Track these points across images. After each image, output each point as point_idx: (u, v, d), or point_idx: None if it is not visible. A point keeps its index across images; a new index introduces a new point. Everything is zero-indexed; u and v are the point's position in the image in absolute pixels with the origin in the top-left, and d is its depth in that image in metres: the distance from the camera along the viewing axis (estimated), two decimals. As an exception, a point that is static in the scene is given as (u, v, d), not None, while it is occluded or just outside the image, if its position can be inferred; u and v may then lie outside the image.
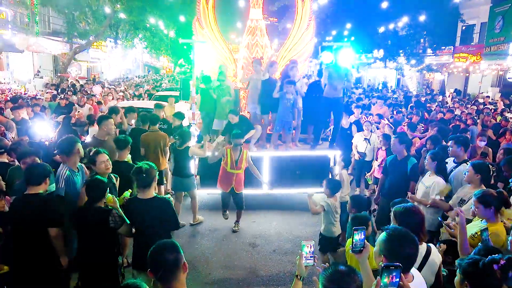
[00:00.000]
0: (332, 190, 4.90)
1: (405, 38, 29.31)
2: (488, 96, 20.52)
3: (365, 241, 2.31)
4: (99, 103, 12.04)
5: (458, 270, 2.29)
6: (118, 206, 3.71)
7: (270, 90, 6.95)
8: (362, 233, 2.30)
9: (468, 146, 5.11)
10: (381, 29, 29.12)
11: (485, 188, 4.10)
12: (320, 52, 7.39)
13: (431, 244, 2.78)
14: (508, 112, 13.33)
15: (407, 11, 26.48)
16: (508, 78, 21.27)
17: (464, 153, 4.98)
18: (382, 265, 1.93)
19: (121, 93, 15.14)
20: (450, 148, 4.98)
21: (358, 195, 4.86)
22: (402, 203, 3.96)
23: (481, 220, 3.38)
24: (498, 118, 11.59)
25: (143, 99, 15.80)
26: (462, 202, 4.17)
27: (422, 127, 9.36)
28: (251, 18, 8.67)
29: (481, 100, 19.38)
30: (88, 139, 6.58)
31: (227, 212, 6.50)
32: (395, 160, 5.32)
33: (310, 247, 2.30)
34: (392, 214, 2.83)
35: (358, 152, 7.71)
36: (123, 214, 3.62)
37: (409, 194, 4.78)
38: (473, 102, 18.10)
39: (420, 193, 4.80)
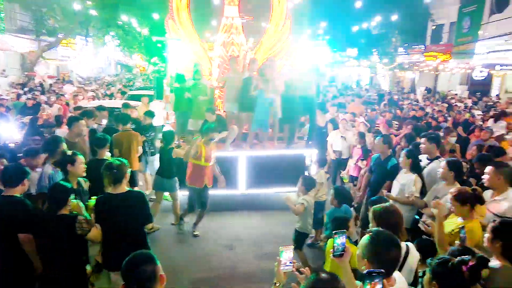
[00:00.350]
0: (307, 187, 4.91)
1: (378, 37, 29.88)
2: (456, 94, 21.20)
3: (346, 244, 2.29)
4: (67, 103, 11.62)
5: (428, 269, 2.30)
6: (84, 212, 3.55)
7: (249, 89, 6.87)
8: (343, 236, 2.29)
9: (439, 143, 5.21)
10: (355, 28, 29.55)
11: (458, 184, 4.18)
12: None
13: (409, 243, 2.79)
14: (475, 109, 13.76)
15: (379, 10, 26.95)
16: (475, 77, 22.02)
17: (437, 150, 5.06)
18: (365, 272, 1.91)
19: (92, 93, 14.68)
20: (423, 145, 5.05)
21: (342, 187, 4.88)
22: (379, 201, 4.02)
23: (457, 218, 3.42)
24: (467, 115, 11.96)
25: (115, 99, 15.41)
26: (436, 199, 4.22)
27: (396, 124, 9.52)
28: (226, 15, 8.57)
29: (450, 98, 20.02)
30: None
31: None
32: (379, 159, 5.37)
33: (289, 252, 2.26)
34: (370, 213, 2.82)
35: (334, 151, 7.74)
36: (91, 218, 3.48)
37: (385, 192, 4.83)
38: (443, 100, 18.65)
39: (395, 191, 4.85)
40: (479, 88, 23.47)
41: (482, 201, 3.39)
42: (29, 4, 20.27)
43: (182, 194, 6.90)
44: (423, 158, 5.14)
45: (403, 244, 2.72)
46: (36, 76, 22.14)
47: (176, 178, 6.31)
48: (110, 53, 37.20)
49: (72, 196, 3.52)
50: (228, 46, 8.55)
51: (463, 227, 3.06)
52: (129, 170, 3.65)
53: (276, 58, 8.22)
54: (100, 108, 7.55)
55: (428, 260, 2.33)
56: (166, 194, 7.12)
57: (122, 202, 3.46)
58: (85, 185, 4.29)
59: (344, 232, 2.31)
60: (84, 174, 4.20)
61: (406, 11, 26.56)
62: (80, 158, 4.15)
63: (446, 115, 11.46)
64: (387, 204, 2.87)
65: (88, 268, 3.55)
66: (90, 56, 32.95)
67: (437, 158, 4.97)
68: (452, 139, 6.69)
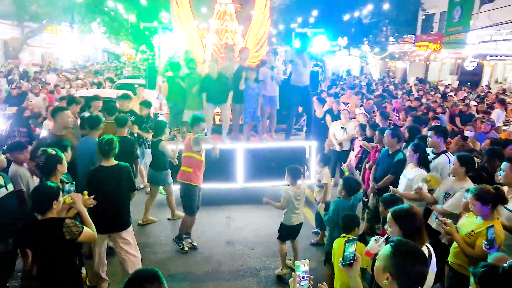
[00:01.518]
0: (293, 177, 4.74)
1: (369, 26, 29.67)
2: (449, 84, 21.23)
3: (356, 253, 2.21)
4: (51, 92, 11.19)
5: (472, 278, 2.12)
6: (80, 203, 3.31)
7: (240, 80, 6.62)
8: (354, 245, 2.20)
9: (447, 136, 5.06)
10: (346, 17, 29.27)
11: (469, 180, 4.04)
12: (294, 39, 7.10)
13: (429, 245, 2.62)
14: (469, 100, 13.72)
15: (370, -1, 26.73)
16: (466, 67, 22.05)
17: (444, 144, 4.91)
18: None
19: (79, 81, 14.17)
20: (429, 139, 4.89)
21: (351, 177, 4.63)
22: (391, 198, 3.87)
23: (476, 217, 3.27)
24: (460, 106, 11.90)
25: (103, 87, 14.94)
26: (447, 195, 4.08)
27: (396, 115, 9.39)
28: (220, 1, 8.25)
29: (441, 88, 20.03)
30: (43, 132, 6.00)
31: None
32: (387, 152, 5.19)
33: (305, 266, 2.11)
34: (389, 215, 2.63)
35: (338, 143, 7.56)
36: (89, 217, 3.28)
37: (391, 188, 4.66)
38: (434, 89, 18.63)
39: (402, 186, 4.69)
40: (470, 78, 23.56)
41: (505, 201, 3.23)
42: (11, -11, 19.45)
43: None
44: (429, 152, 4.99)
45: (425, 248, 2.55)
46: (20, 63, 21.41)
47: (169, 171, 6.06)
48: (96, 40, 36.25)
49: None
50: (222, 33, 8.27)
51: (491, 227, 2.90)
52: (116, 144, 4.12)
53: (260, 43, 8.02)
54: (95, 97, 7.21)
55: (470, 269, 2.16)
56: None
57: (112, 172, 4.08)
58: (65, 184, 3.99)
59: (355, 239, 2.22)
60: (66, 171, 3.87)
61: (397, 0, 26.39)
62: (64, 155, 3.84)
63: (442, 105, 11.36)
64: (406, 205, 2.67)
65: (84, 271, 3.30)
66: (76, 44, 32.02)
67: (443, 152, 4.82)
68: (470, 133, 6.51)
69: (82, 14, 26.93)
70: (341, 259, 2.21)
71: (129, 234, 4.28)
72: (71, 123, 5.14)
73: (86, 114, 6.41)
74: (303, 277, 2.09)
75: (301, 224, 4.92)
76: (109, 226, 4.14)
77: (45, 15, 21.66)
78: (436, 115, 9.22)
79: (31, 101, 8.87)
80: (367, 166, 5.87)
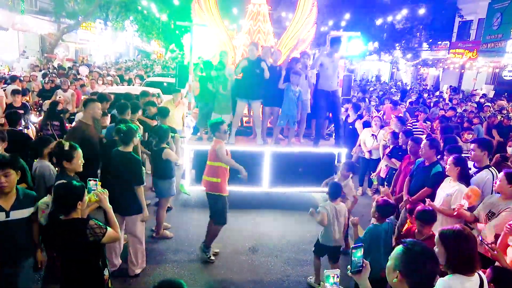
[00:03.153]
0: (332, 194, 4.47)
1: (401, 31, 28.92)
2: (485, 95, 20.38)
3: (363, 259, 2.15)
4: (82, 86, 11.42)
5: None
6: (106, 201, 3.24)
7: (277, 81, 6.46)
8: (361, 250, 2.15)
9: (491, 150, 4.73)
10: (378, 21, 28.65)
11: (517, 199, 3.73)
12: (329, 43, 6.89)
13: (481, 273, 2.38)
14: (510, 111, 13.06)
15: (405, 3, 26.05)
16: (504, 76, 21.09)
17: (487, 158, 4.59)
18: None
19: (110, 78, 14.39)
20: (473, 152, 4.58)
21: (386, 200, 4.28)
22: (425, 211, 3.63)
23: None
24: (499, 117, 11.34)
25: (133, 84, 15.14)
26: (491, 214, 3.79)
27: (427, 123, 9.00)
28: (253, 2, 8.15)
29: (477, 98, 19.22)
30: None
31: None
32: (423, 164, 4.90)
33: (336, 278, 2.04)
34: (437, 236, 2.42)
35: (368, 151, 7.30)
36: (114, 217, 3.22)
37: (428, 201, 4.38)
38: (469, 98, 17.90)
39: (439, 201, 4.41)
40: (507, 88, 22.54)
41: None
42: (50, -14, 20.05)
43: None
44: (471, 166, 4.69)
45: (476, 276, 2.32)
46: (55, 58, 22.07)
47: (174, 180, 5.65)
48: (128, 38, 37.02)
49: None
50: (255, 34, 8.15)
51: None
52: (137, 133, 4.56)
53: (300, 48, 7.81)
54: (144, 94, 7.46)
55: None
56: (183, 184, 6.80)
57: (123, 158, 4.42)
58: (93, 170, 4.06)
59: (362, 245, 2.16)
60: (81, 169, 3.83)
61: (433, 5, 25.62)
62: (79, 153, 3.77)
63: (478, 115, 10.84)
64: (458, 227, 2.44)
65: (106, 273, 3.23)
66: (109, 40, 32.78)
67: (487, 167, 4.50)
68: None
69: (116, 12, 27.56)
70: (349, 266, 2.15)
71: (132, 221, 4.54)
72: (99, 115, 5.55)
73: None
74: None
75: (339, 247, 4.58)
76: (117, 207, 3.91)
77: (81, 12, 22.23)
78: (471, 126, 8.78)
79: (59, 97, 9.00)
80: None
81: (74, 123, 6.28)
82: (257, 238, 5.85)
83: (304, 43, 8.08)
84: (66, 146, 3.73)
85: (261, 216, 6.58)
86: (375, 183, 7.16)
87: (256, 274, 4.93)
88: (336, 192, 4.51)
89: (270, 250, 5.52)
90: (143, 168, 5.43)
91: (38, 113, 8.93)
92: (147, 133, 6.52)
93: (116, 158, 4.50)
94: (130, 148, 4.48)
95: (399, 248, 1.99)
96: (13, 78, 11.12)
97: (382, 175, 6.87)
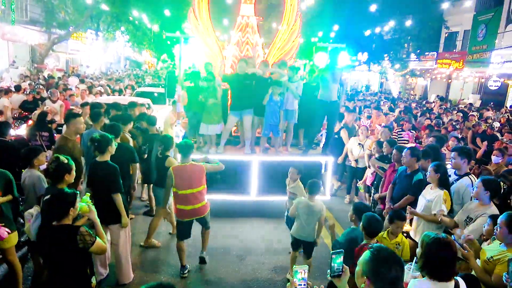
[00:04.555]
0: (310, 191, 4.74)
1: (390, 42, 29.46)
2: (470, 104, 20.78)
3: (343, 264, 2.24)
4: (71, 96, 11.37)
5: None
6: (95, 214, 3.32)
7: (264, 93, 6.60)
8: (341, 256, 2.23)
9: (471, 158, 4.88)
10: (367, 33, 29.15)
11: (494, 205, 3.87)
12: (314, 53, 7.06)
13: (458, 278, 2.48)
14: (493, 121, 13.35)
15: (393, 15, 26.58)
16: (490, 86, 21.57)
17: (467, 166, 4.74)
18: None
19: (100, 88, 14.42)
20: (453, 160, 4.73)
21: (362, 203, 4.46)
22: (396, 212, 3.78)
23: (499, 244, 3.11)
24: (484, 126, 11.59)
25: (124, 95, 15.18)
26: (469, 220, 3.91)
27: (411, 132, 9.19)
28: (242, 14, 8.30)
29: (463, 107, 19.60)
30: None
31: None
32: (405, 172, 5.04)
33: (304, 273, 2.10)
34: (419, 242, 2.55)
35: (355, 160, 7.44)
36: (102, 229, 3.26)
37: (409, 208, 4.51)
38: (457, 108, 18.24)
39: (421, 207, 4.53)
40: (493, 98, 23.03)
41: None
42: (41, -4, 20.10)
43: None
44: (450, 173, 4.83)
45: (452, 282, 2.40)
46: (46, 68, 22.03)
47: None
48: (119, 48, 37.09)
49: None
50: (243, 45, 8.29)
51: None
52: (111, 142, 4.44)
53: (286, 58, 7.97)
54: (132, 104, 7.36)
55: None
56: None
57: (100, 168, 4.40)
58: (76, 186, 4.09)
59: (342, 251, 2.24)
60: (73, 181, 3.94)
61: (420, 17, 26.17)
62: (74, 165, 3.90)
63: (456, 125, 11.10)
64: (441, 235, 2.54)
65: (93, 281, 3.27)
66: (100, 51, 32.79)
67: (467, 174, 4.65)
68: (497, 159, 6.16)
69: (108, 23, 27.66)
70: (329, 270, 2.23)
71: (114, 231, 4.56)
72: (83, 129, 5.34)
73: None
74: (300, 285, 2.07)
75: (310, 243, 4.77)
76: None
77: (72, 22, 22.28)
78: (447, 133, 9.03)
79: (47, 107, 8.88)
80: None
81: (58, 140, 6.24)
82: (245, 246, 5.90)
83: (289, 54, 8.24)
84: (65, 160, 3.81)
85: (249, 224, 6.64)
86: (362, 191, 7.28)
87: (243, 282, 4.98)
88: (312, 188, 4.73)
89: (257, 257, 5.58)
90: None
91: (16, 126, 8.77)
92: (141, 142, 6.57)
93: (94, 168, 4.46)
94: (106, 157, 4.44)
95: (366, 254, 2.06)
96: (18, 88, 11.12)
97: (368, 183, 7.01)
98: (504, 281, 2.77)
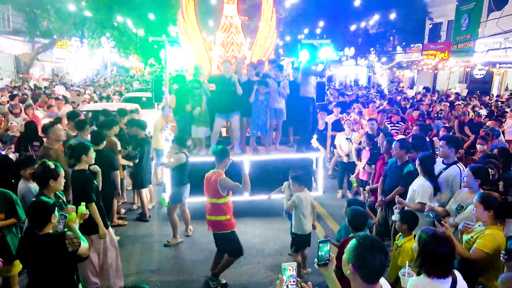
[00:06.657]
0: (299, 182, 4.79)
1: (375, 36, 29.69)
2: (457, 93, 21.00)
3: (330, 253, 2.27)
4: (50, 106, 10.60)
5: None
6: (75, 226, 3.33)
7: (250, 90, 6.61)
8: (328, 245, 2.27)
9: (459, 147, 4.93)
10: (352, 27, 29.34)
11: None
12: (300, 50, 7.06)
13: (457, 273, 2.50)
14: (479, 109, 13.52)
15: (377, 9, 26.78)
16: (475, 75, 21.83)
17: (455, 155, 4.78)
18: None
19: (87, 96, 14.28)
20: (441, 149, 4.77)
21: (355, 199, 4.51)
22: (406, 213, 3.80)
23: (478, 224, 3.19)
24: (471, 114, 11.72)
25: (112, 101, 15.07)
26: (460, 208, 3.95)
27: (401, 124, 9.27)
28: (226, 14, 8.30)
29: (452, 97, 19.82)
30: None
31: None
32: (395, 164, 5.09)
33: (292, 270, 2.09)
34: (416, 238, 2.58)
35: (346, 155, 7.48)
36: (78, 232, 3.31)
37: (397, 198, 4.57)
38: (445, 98, 18.43)
39: (408, 197, 4.59)
40: (479, 86, 23.32)
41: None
42: (22, 5, 19.81)
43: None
44: (438, 162, 4.87)
45: (449, 278, 2.42)
46: (31, 78, 21.76)
47: (187, 186, 5.86)
48: (106, 54, 36.80)
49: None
50: (228, 46, 8.29)
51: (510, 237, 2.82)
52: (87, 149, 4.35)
53: (267, 55, 8.03)
54: (121, 112, 7.34)
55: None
56: (164, 198, 6.86)
57: (74, 176, 4.37)
58: (64, 196, 4.05)
59: (329, 240, 2.29)
60: (62, 188, 3.88)
61: (404, 10, 26.39)
62: (62, 172, 3.81)
63: (440, 114, 11.25)
64: (437, 230, 2.56)
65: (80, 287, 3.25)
66: (86, 58, 32.48)
67: (454, 163, 4.69)
68: (482, 147, 6.29)
69: (92, 29, 27.38)
70: (316, 259, 2.25)
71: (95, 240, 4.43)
72: (64, 136, 5.28)
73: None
74: (291, 281, 2.06)
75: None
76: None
77: (56, 31, 22.04)
78: (432, 122, 9.17)
79: (11, 123, 8.27)
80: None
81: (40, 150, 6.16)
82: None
83: (269, 50, 8.29)
84: (52, 165, 3.75)
85: (243, 223, 6.62)
86: (355, 185, 7.31)
87: (239, 281, 4.98)
88: (302, 181, 4.85)
89: (252, 257, 5.57)
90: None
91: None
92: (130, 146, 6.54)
93: (71, 177, 4.41)
94: (82, 166, 4.34)
95: (352, 242, 2.09)
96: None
97: (361, 177, 7.02)
98: (502, 259, 2.85)
